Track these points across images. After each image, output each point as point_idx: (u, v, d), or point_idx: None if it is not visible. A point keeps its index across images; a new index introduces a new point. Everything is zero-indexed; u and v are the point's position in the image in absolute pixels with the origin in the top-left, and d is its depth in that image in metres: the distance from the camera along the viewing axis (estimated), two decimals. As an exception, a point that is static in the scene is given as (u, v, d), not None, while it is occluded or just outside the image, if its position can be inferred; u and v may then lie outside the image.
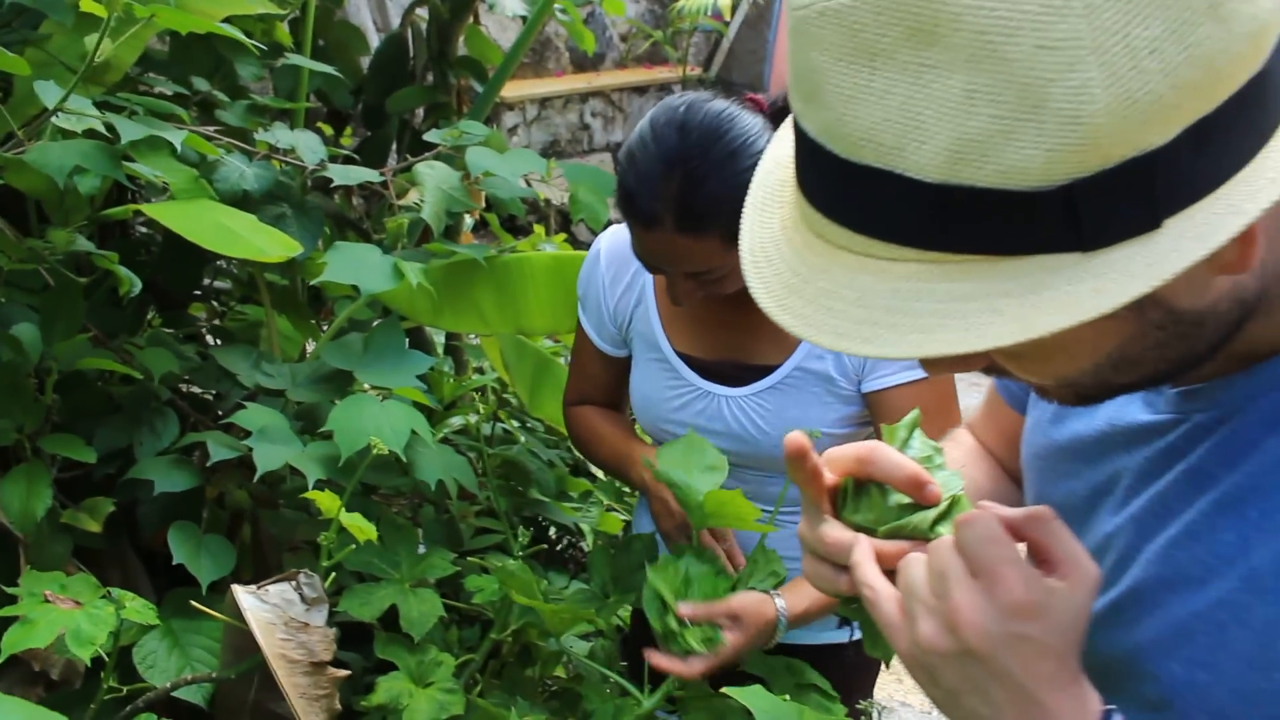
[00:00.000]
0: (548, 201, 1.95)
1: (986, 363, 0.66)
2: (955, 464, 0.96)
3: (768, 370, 1.46)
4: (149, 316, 1.85)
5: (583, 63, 6.79)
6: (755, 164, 0.73)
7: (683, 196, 1.27)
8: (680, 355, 1.51)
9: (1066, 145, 0.51)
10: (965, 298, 0.55)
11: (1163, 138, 0.51)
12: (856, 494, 0.73)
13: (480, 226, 2.87)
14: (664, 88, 7.01)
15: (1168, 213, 0.53)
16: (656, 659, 1.31)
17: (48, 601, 1.22)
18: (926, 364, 0.65)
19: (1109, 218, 0.53)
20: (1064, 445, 0.83)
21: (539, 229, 2.91)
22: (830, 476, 0.74)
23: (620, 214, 1.38)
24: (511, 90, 6.26)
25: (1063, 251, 0.54)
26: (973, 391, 1.29)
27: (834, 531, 0.72)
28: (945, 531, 0.68)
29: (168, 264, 1.73)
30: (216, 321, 1.89)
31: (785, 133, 0.69)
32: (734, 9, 6.93)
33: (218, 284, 1.93)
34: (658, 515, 1.51)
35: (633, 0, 6.96)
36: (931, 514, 0.69)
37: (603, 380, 1.64)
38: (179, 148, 1.48)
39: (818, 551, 0.73)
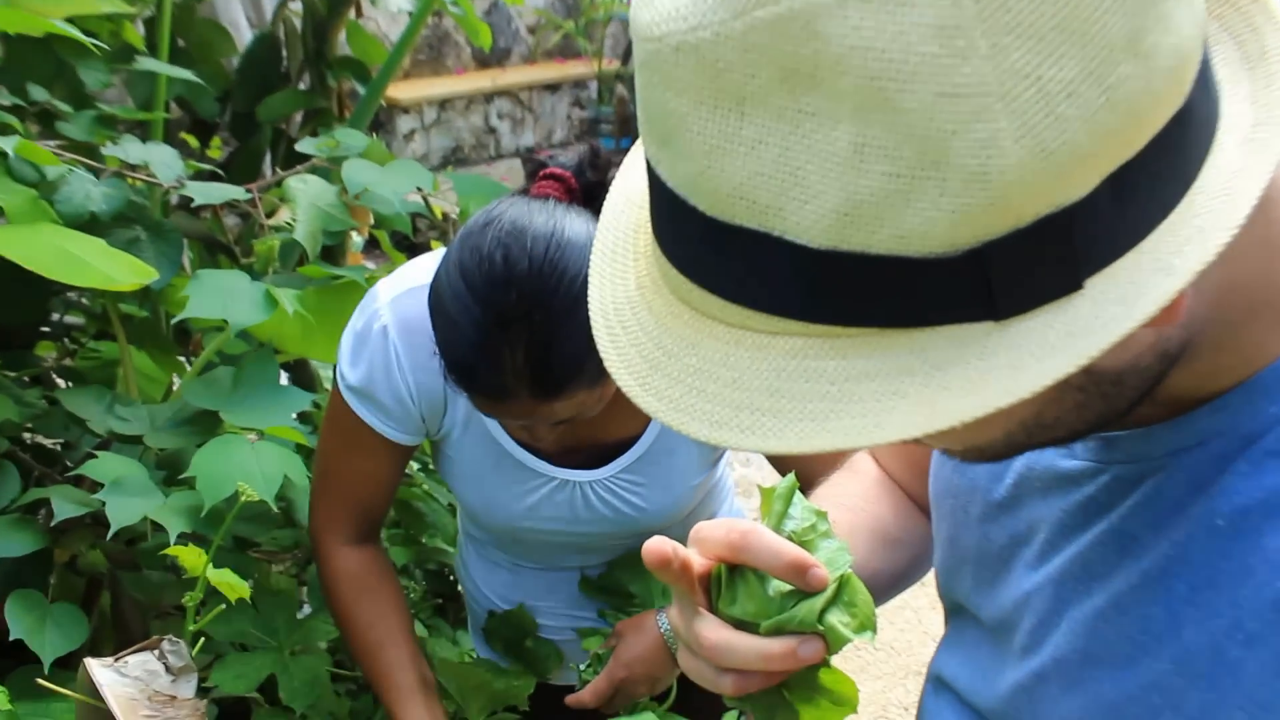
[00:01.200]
0: (446, 216, 1.80)
1: None
2: (852, 504, 0.91)
3: (628, 443, 1.28)
4: (-11, 358, 1.66)
5: (486, 59, 6.41)
6: None
7: (534, 366, 1.07)
8: (524, 445, 1.28)
9: (974, 205, 0.45)
10: (861, 378, 0.49)
11: (1081, 191, 0.46)
12: (732, 581, 0.65)
13: (372, 245, 2.71)
14: (578, 84, 6.65)
15: (1088, 272, 0.47)
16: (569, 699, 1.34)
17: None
18: None
19: (1024, 283, 0.47)
20: (977, 486, 0.76)
21: (436, 245, 2.75)
22: (700, 561, 0.66)
23: (453, 385, 1.13)
24: (407, 91, 5.95)
25: (971, 321, 0.48)
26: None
27: (710, 633, 0.64)
28: (835, 620, 0.62)
29: (5, 298, 1.56)
30: (66, 361, 1.71)
31: (636, 161, 0.61)
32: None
33: (68, 319, 1.75)
34: None
35: (541, -12, 6.68)
36: (819, 602, 0.62)
37: (381, 476, 1.34)
38: (11, 155, 1.33)
39: (695, 651, 0.66)
